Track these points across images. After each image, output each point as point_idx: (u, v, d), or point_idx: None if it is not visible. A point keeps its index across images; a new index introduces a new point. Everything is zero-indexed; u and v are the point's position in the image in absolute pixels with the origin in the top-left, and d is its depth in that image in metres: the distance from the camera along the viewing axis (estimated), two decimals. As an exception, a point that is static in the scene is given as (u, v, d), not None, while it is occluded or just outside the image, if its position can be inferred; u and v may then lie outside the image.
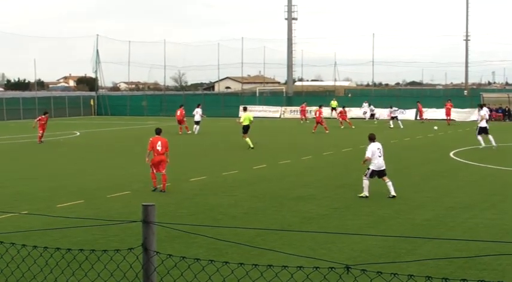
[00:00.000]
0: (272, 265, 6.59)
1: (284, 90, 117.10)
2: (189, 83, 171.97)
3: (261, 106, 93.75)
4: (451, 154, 40.39)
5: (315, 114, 64.36)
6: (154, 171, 27.10)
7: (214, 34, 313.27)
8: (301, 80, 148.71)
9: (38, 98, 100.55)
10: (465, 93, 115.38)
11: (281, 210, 22.55)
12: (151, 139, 27.78)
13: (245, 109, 50.32)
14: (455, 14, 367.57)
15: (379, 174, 25.20)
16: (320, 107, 65.22)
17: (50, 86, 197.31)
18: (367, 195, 24.78)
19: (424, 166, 35.08)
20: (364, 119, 79.02)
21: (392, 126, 68.77)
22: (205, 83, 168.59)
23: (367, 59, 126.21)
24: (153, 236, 6.00)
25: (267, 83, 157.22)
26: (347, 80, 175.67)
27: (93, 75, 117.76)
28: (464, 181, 29.59)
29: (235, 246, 15.89)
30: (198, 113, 61.75)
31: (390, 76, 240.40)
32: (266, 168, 33.87)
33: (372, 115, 78.37)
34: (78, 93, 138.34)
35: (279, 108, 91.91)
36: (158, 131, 28.36)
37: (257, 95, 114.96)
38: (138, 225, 6.35)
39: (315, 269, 6.41)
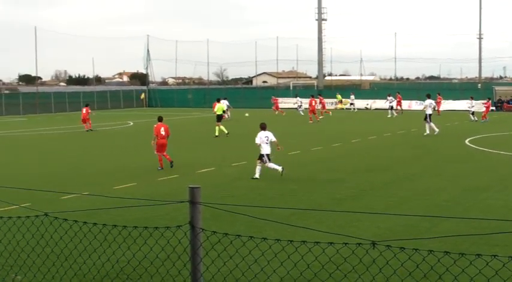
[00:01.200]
0: (306, 241, 6.59)
1: (315, 84, 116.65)
2: (229, 78, 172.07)
3: (294, 98, 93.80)
4: (467, 141, 40.05)
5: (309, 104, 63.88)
6: (159, 153, 28.68)
7: (252, 34, 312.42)
8: (330, 74, 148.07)
9: (96, 92, 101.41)
10: (479, 87, 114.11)
11: (313, 192, 22.52)
12: (155, 126, 29.50)
13: (218, 100, 51.20)
14: (470, 14, 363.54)
15: (268, 157, 25.86)
16: (312, 97, 65.69)
17: (107, 81, 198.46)
18: (258, 177, 25.49)
19: (442, 152, 34.79)
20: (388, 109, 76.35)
21: (394, 115, 68.66)
22: (244, 78, 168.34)
23: (390, 56, 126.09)
24: (199, 214, 6.00)
25: (300, 77, 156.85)
26: (372, 74, 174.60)
27: (144, 72, 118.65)
28: (479, 166, 29.31)
29: (272, 224, 15.88)
30: (225, 104, 63.89)
31: (411, 71, 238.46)
32: (300, 154, 33.82)
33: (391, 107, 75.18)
34: (131, 87, 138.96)
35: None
36: (160, 119, 29.99)
37: (291, 88, 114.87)
38: (185, 205, 6.37)
39: (344, 244, 6.39)
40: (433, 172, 27.21)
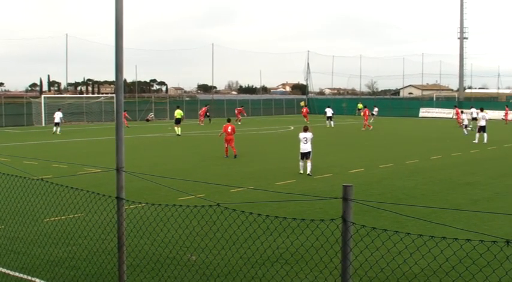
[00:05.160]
0: (445, 237, 6.45)
1: (456, 96, 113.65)
2: (379, 89, 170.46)
3: (437, 109, 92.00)
4: None
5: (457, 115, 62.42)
6: (226, 145, 33.31)
7: (400, 50, 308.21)
8: (470, 88, 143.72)
9: (262, 100, 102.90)
10: None
11: (452, 193, 21.93)
12: (224, 125, 33.83)
13: (178, 107, 55.73)
14: None
15: (305, 156, 26.51)
16: (455, 107, 65.30)
17: (272, 90, 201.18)
18: (301, 172, 26.48)
19: None
20: None
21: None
22: (392, 89, 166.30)
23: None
24: (350, 210, 6.00)
25: (442, 90, 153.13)
26: (508, 88, 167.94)
27: (304, 83, 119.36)
28: None
29: (413, 221, 15.61)
30: (330, 111, 68.63)
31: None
32: (441, 159, 33.00)
33: None
34: (292, 96, 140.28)
35: (451, 110, 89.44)
36: (229, 120, 35.21)
37: (434, 99, 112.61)
38: (337, 200, 6.40)
39: (480, 242, 6.21)
40: None
